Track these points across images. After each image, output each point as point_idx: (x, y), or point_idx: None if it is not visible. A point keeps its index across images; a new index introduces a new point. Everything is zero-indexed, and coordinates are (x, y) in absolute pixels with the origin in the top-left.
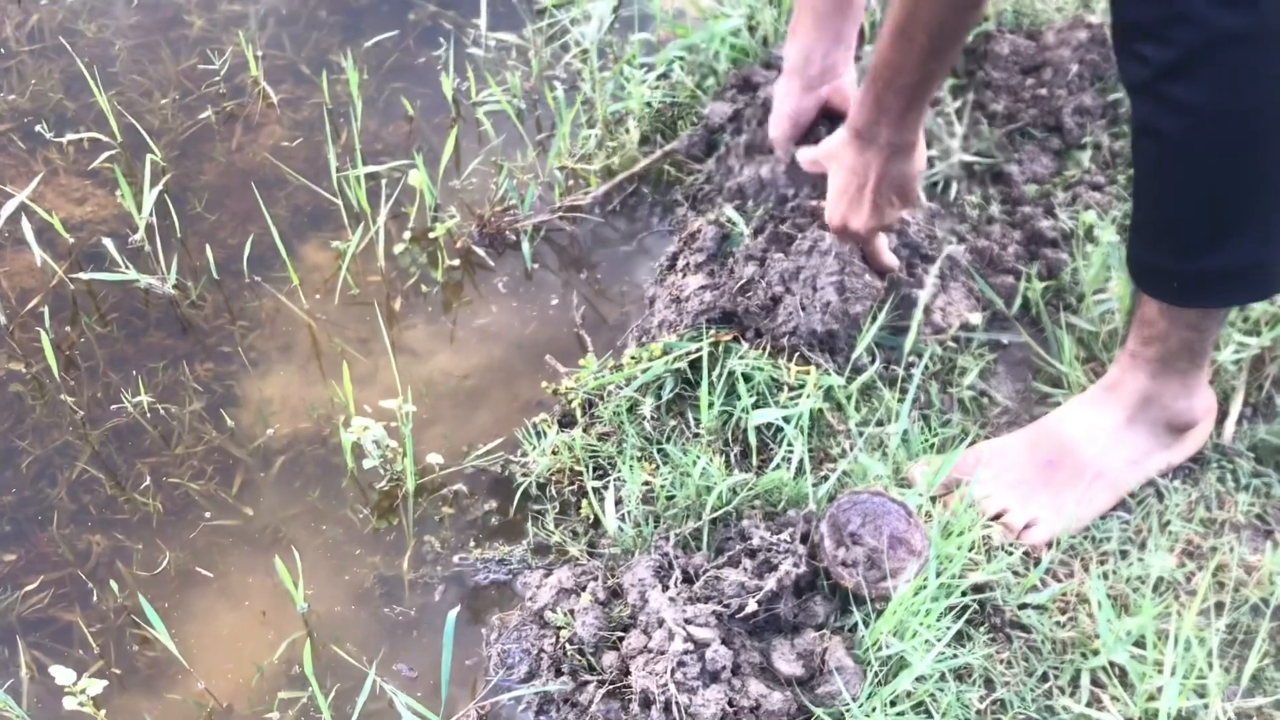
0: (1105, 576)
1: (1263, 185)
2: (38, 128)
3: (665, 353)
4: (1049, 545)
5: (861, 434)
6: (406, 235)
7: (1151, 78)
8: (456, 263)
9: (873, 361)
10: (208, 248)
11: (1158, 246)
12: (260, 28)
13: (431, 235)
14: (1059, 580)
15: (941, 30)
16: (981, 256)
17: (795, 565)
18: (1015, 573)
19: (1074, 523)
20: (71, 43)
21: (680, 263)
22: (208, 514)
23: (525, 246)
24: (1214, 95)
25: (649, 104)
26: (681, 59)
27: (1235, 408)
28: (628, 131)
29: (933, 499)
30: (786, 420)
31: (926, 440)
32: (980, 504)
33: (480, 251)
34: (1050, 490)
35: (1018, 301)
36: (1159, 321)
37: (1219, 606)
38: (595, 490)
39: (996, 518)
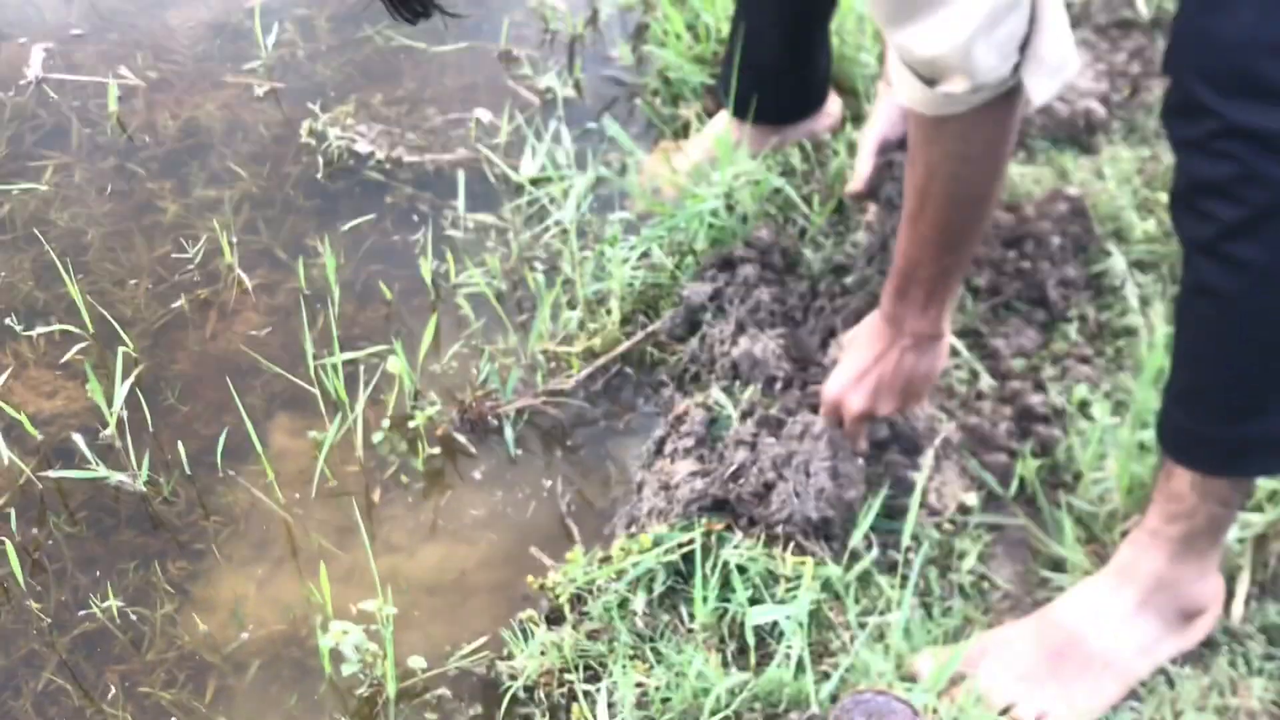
0: None
1: None
2: (7, 320)
3: (656, 544)
4: None
5: (863, 626)
6: (385, 423)
7: (1217, 236)
8: (437, 450)
9: (869, 549)
10: (179, 443)
11: (1202, 413)
12: (235, 213)
13: (411, 424)
14: None
15: (950, 228)
16: (972, 435)
17: None
18: None
19: (1085, 716)
20: (43, 232)
21: (668, 447)
22: None
23: (508, 432)
24: (1277, 251)
25: (630, 284)
26: (661, 239)
27: (1242, 588)
28: (609, 312)
29: (938, 694)
30: (786, 616)
31: (928, 630)
32: (987, 698)
33: (461, 438)
34: (1059, 682)
35: (1014, 482)
36: (1188, 496)
37: None
38: (586, 694)
39: (1004, 712)
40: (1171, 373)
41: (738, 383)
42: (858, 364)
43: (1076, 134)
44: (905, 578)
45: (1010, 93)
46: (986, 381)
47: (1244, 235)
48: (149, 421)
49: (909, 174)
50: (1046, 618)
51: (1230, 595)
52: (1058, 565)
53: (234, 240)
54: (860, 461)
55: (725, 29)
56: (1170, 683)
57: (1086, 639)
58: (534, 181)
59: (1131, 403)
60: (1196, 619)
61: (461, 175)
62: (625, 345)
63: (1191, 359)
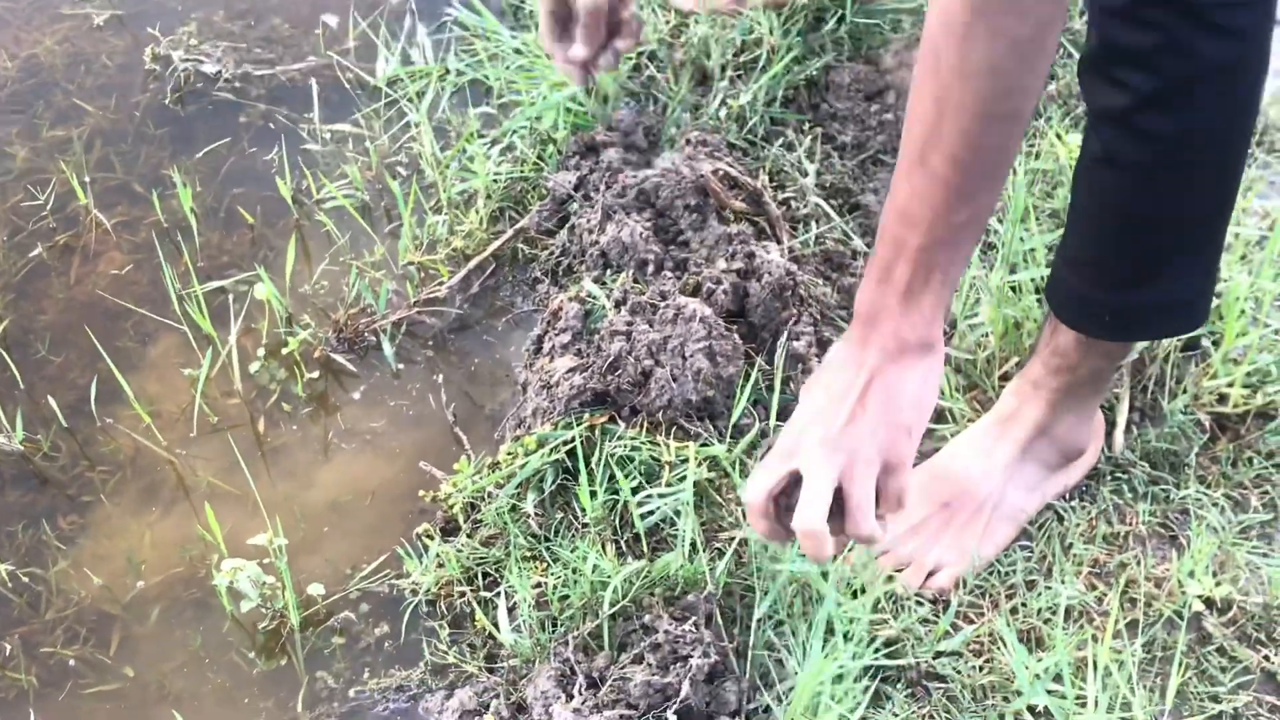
0: (1015, 612)
1: (1217, 214)
2: None
3: (541, 445)
4: (956, 587)
5: None
6: (261, 352)
7: (1129, 107)
8: (317, 374)
9: (754, 422)
10: (53, 396)
11: (1096, 279)
12: (86, 151)
13: (286, 350)
14: (970, 622)
15: (977, 159)
16: (849, 296)
17: (704, 655)
18: (926, 622)
19: (979, 561)
20: None
21: (546, 345)
22: (86, 680)
23: (387, 347)
24: (1187, 125)
25: (496, 180)
26: (521, 130)
27: (1122, 416)
28: (477, 213)
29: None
30: (669, 498)
31: None
32: (880, 557)
33: (340, 359)
34: (950, 532)
35: None
36: (1073, 353)
37: (1133, 626)
38: (486, 600)
39: (900, 570)
40: (1065, 237)
41: (609, 270)
42: (818, 403)
43: None
44: None
45: None
46: (858, 243)
47: (1156, 107)
48: (19, 379)
49: (915, 101)
50: (933, 470)
51: (1112, 425)
52: (940, 416)
53: (88, 180)
54: (736, 339)
55: None
56: (1059, 516)
57: (974, 487)
58: (391, 83)
59: (1000, 245)
60: (1080, 458)
61: (315, 85)
62: (495, 245)
63: (1089, 226)
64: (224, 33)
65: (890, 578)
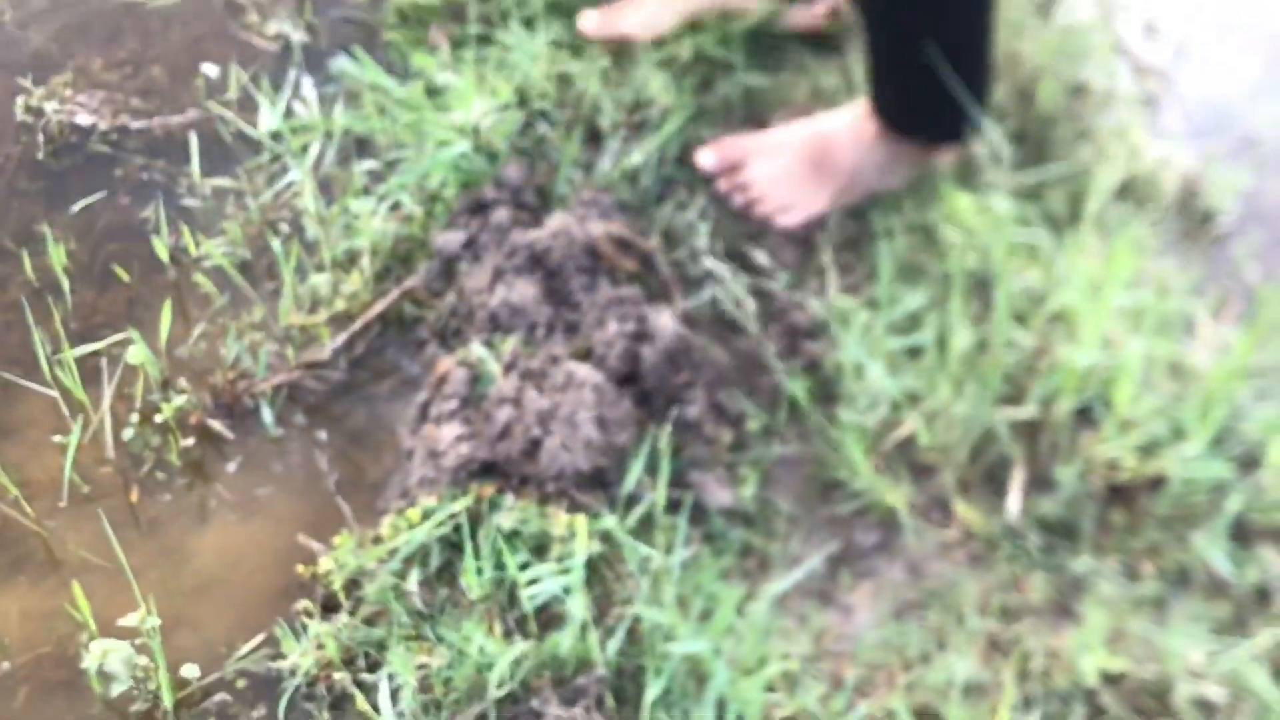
0: (911, 688)
1: None
2: None
3: (425, 517)
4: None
5: (645, 571)
6: (134, 418)
7: None
8: (193, 441)
9: (648, 492)
10: None
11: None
12: None
13: (159, 417)
14: (866, 696)
15: None
16: (743, 358)
17: None
18: (822, 700)
19: (826, 209)
20: None
21: (432, 411)
22: None
23: (266, 412)
24: None
25: (382, 237)
26: (408, 187)
27: (1017, 484)
28: (362, 272)
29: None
30: (564, 574)
31: (709, 566)
32: (755, 184)
33: (217, 425)
34: (812, 183)
35: (786, 402)
36: None
37: (1029, 701)
38: (361, 684)
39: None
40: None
41: (499, 333)
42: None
43: (820, 37)
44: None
45: None
46: (751, 304)
47: None
48: None
49: None
50: (809, 129)
51: (1004, 491)
52: (837, 484)
53: None
54: (628, 405)
55: None
56: (952, 585)
57: (841, 153)
58: (274, 136)
59: (881, 307)
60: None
61: (194, 138)
62: (380, 305)
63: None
64: (101, 82)
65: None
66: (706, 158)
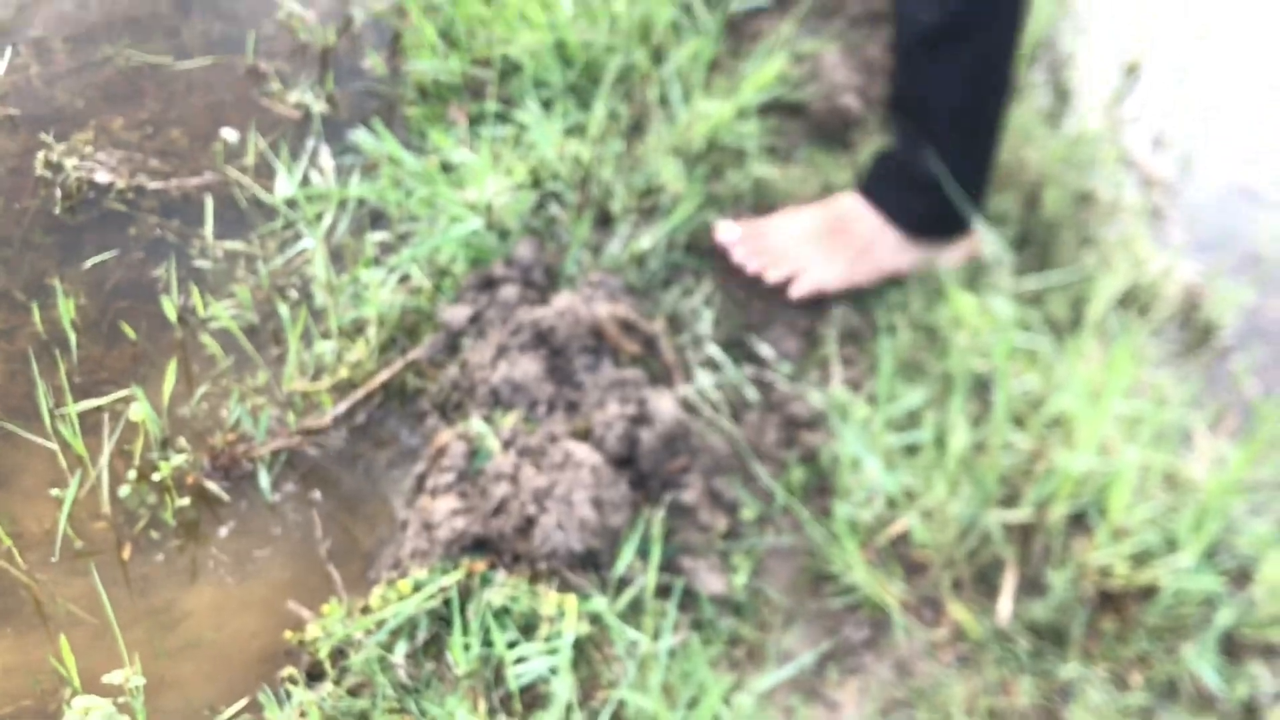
0: None
1: None
2: None
3: (416, 589)
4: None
5: (633, 656)
6: (132, 475)
7: None
8: (188, 501)
9: (638, 575)
10: None
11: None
12: None
13: (157, 476)
14: None
15: None
16: (740, 445)
17: None
18: None
19: (838, 280)
20: None
21: (429, 483)
22: None
23: (263, 476)
24: None
25: (389, 308)
26: (419, 260)
27: (1008, 586)
28: (367, 342)
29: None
30: (551, 654)
31: (698, 654)
32: (774, 244)
33: (214, 486)
34: (825, 252)
35: (782, 491)
36: None
37: None
38: None
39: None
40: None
41: (499, 408)
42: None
43: (834, 131)
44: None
45: None
46: (751, 392)
47: None
48: None
49: None
50: (829, 206)
51: (996, 593)
52: (829, 575)
53: None
54: (624, 487)
55: (479, 35)
56: (940, 686)
57: (856, 228)
58: (290, 203)
59: (881, 402)
60: (961, 244)
61: (209, 200)
62: (384, 375)
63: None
64: (121, 141)
65: None
66: (728, 229)
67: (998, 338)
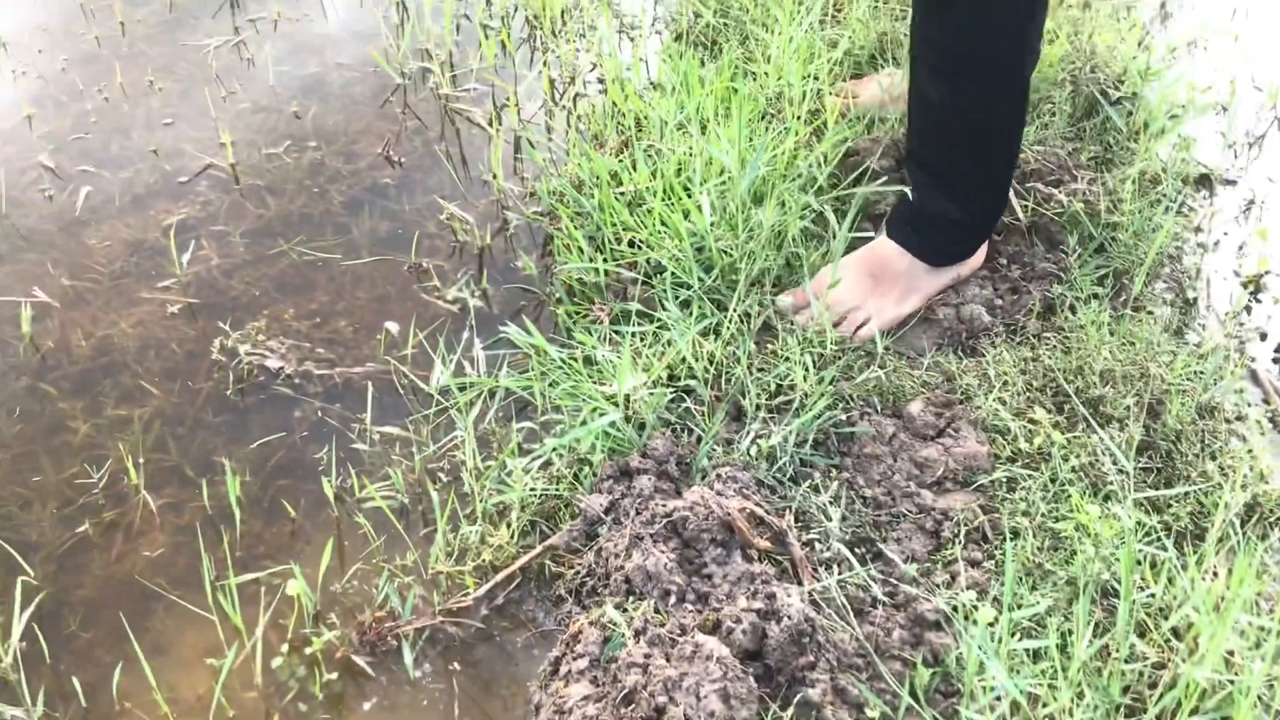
0: None
1: None
2: None
3: None
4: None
5: None
6: (284, 648)
7: None
8: (336, 675)
9: None
10: (77, 674)
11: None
12: (145, 431)
13: (308, 650)
14: None
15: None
16: (866, 643)
17: None
18: None
19: (897, 316)
20: None
21: (563, 668)
22: None
23: (407, 654)
24: None
25: (531, 494)
26: (560, 450)
27: None
28: (509, 525)
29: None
30: None
31: None
32: (839, 300)
33: (361, 661)
34: (878, 295)
35: (905, 694)
36: None
37: None
38: None
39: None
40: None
41: (632, 597)
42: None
43: (960, 337)
44: None
45: None
46: (877, 590)
47: None
48: (46, 652)
49: None
50: (870, 253)
51: None
52: None
53: (141, 461)
54: (752, 681)
55: (624, 240)
56: None
57: (896, 268)
58: (443, 391)
59: (1006, 608)
60: (972, 259)
61: (370, 388)
62: (523, 560)
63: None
64: (291, 330)
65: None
66: (784, 300)
67: (1121, 547)
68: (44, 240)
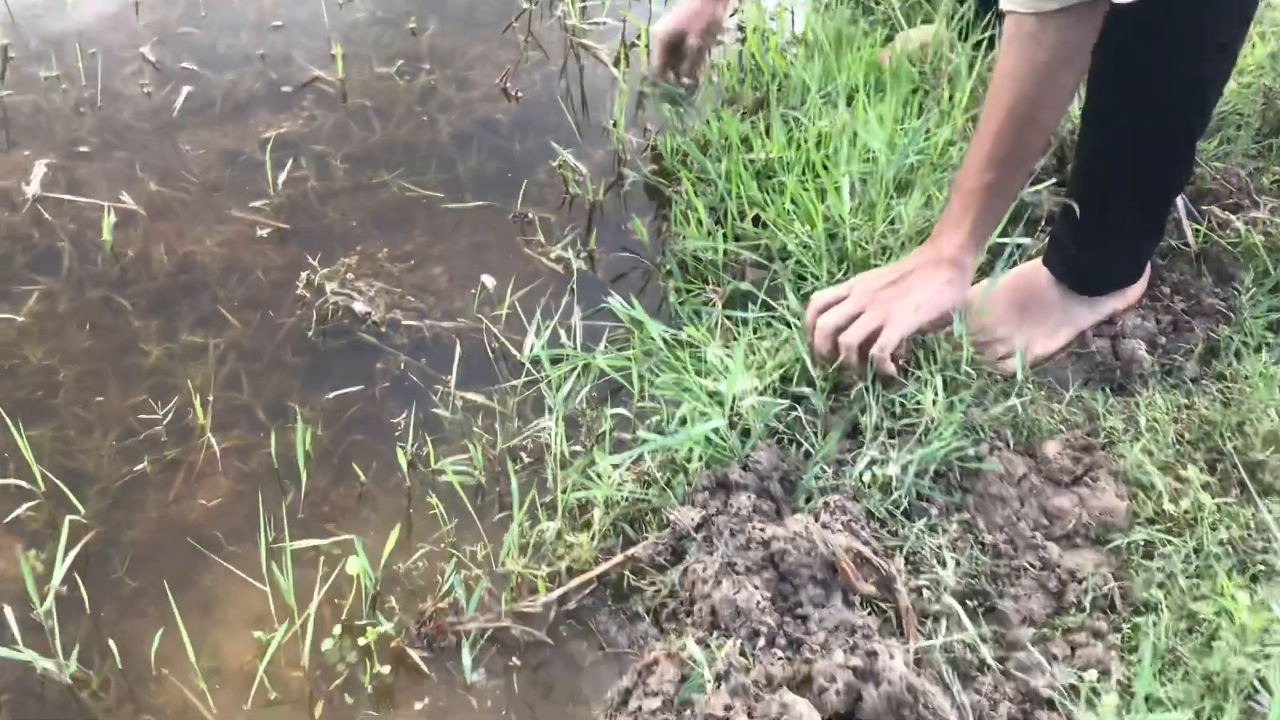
0: None
1: None
2: None
3: None
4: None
5: None
6: (337, 630)
7: None
8: (388, 669)
9: None
10: (117, 627)
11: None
12: (218, 363)
13: (362, 640)
14: None
15: (999, 137)
16: (970, 714)
17: None
18: None
19: (1046, 352)
20: (15, 367)
21: (633, 702)
22: None
23: (466, 654)
24: None
25: (617, 493)
26: (654, 450)
27: None
28: (590, 526)
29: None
30: None
31: None
32: (990, 328)
33: (416, 655)
34: (1026, 326)
35: None
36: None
37: None
38: None
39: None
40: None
41: (717, 632)
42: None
43: (1112, 374)
44: None
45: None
46: (987, 653)
47: None
48: (86, 602)
49: (991, 83)
50: (1018, 279)
51: None
52: None
53: (211, 398)
54: None
55: (748, 214)
56: None
57: (1047, 297)
58: (534, 361)
59: (1139, 709)
60: (1130, 290)
61: (458, 346)
62: (602, 567)
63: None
64: (382, 272)
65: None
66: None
67: (1270, 640)
68: (136, 140)
